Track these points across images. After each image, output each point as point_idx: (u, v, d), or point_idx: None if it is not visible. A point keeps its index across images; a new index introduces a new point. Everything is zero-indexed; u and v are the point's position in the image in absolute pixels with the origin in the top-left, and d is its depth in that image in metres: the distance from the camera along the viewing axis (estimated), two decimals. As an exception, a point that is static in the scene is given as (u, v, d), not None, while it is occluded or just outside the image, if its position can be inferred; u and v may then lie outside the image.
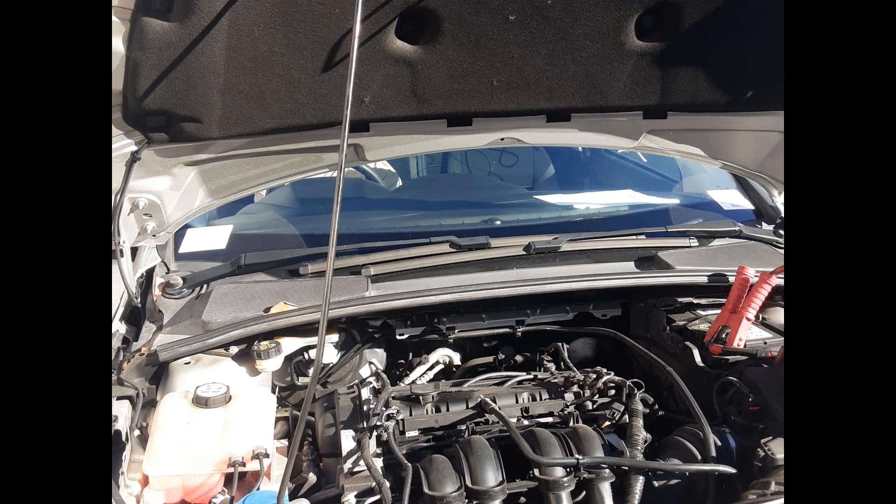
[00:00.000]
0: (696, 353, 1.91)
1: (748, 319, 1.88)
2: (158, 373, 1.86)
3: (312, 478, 1.69)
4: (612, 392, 1.81)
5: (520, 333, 2.10)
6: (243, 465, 1.57)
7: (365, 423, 1.65)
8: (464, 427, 1.72)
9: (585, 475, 1.50)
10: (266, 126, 1.80)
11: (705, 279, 2.11)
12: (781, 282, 1.95)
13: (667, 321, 2.05)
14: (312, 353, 1.92)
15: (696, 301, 2.10)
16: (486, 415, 1.72)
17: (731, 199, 2.85)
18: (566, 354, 2.07)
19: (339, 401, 1.78)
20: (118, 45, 1.49)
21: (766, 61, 1.86)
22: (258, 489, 1.53)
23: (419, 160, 3.37)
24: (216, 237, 2.44)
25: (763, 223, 2.66)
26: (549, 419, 1.78)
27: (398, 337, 2.05)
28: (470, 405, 1.75)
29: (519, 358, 2.20)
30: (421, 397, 1.75)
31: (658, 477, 1.56)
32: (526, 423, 1.75)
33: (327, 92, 1.73)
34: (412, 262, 2.18)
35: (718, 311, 1.96)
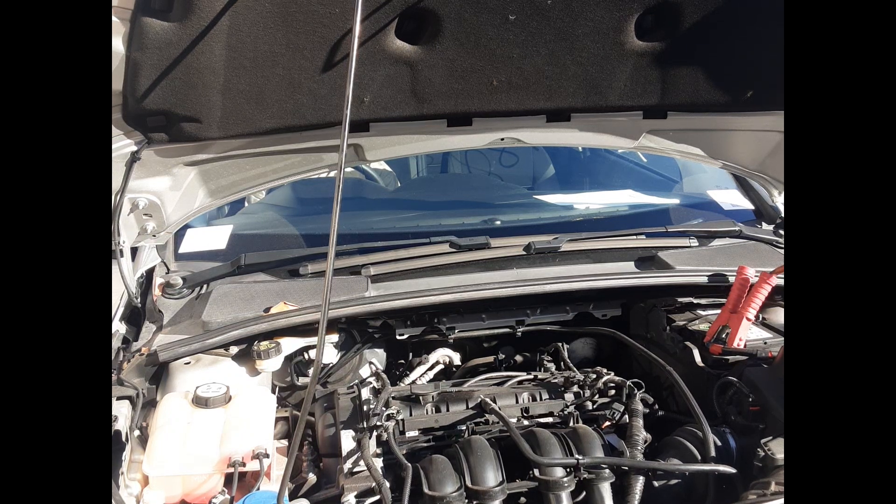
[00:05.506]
0: (696, 353, 1.91)
1: (748, 319, 1.88)
2: (158, 373, 1.85)
3: (312, 478, 1.69)
4: (612, 392, 1.81)
5: (520, 333, 2.09)
6: (243, 465, 1.57)
7: (365, 423, 1.65)
8: (464, 427, 1.72)
9: (585, 475, 1.49)
10: (266, 126, 1.80)
11: (705, 279, 2.11)
12: (781, 282, 1.95)
13: (667, 321, 2.05)
14: (312, 353, 1.92)
15: (696, 301, 2.10)
16: (486, 415, 1.72)
17: (731, 199, 2.85)
18: (566, 354, 2.07)
19: (339, 401, 1.78)
20: (118, 45, 1.49)
21: (766, 61, 1.86)
22: (258, 489, 1.53)
23: (419, 160, 3.37)
24: (216, 237, 2.44)
25: (763, 223, 2.66)
26: (549, 419, 1.78)
27: (398, 337, 2.05)
28: (470, 405, 1.75)
29: (519, 358, 2.20)
30: (421, 397, 1.75)
31: (658, 477, 1.56)
32: (526, 423, 1.75)
33: (327, 92, 1.72)
34: (412, 262, 2.18)
35: (718, 311, 1.96)
